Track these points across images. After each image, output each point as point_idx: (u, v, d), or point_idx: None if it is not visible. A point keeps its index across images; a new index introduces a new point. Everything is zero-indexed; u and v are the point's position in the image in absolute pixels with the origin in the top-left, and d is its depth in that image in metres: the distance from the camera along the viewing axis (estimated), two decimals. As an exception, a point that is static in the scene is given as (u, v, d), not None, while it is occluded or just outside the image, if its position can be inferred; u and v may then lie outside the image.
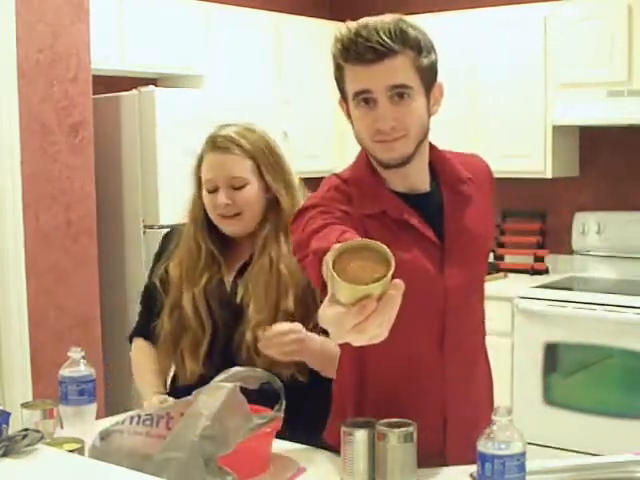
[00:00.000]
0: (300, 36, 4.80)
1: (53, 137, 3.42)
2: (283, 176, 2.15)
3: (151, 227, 3.81)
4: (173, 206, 3.75)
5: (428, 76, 1.73)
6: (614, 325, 3.84)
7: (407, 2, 5.05)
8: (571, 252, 4.55)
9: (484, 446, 1.52)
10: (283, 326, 1.94)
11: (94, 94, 3.61)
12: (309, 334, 1.96)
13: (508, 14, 4.47)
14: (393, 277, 1.22)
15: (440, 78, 1.79)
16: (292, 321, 1.98)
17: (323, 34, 4.97)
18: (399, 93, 1.68)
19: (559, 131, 4.33)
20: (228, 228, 2.13)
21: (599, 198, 4.57)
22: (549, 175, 4.34)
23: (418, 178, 1.80)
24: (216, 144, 2.13)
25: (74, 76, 3.47)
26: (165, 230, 3.65)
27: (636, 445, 2.33)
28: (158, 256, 2.29)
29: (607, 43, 4.13)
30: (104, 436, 1.70)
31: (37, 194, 3.38)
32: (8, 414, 1.67)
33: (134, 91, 3.81)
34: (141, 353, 2.32)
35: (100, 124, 3.70)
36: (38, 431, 1.64)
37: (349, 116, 1.78)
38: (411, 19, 1.75)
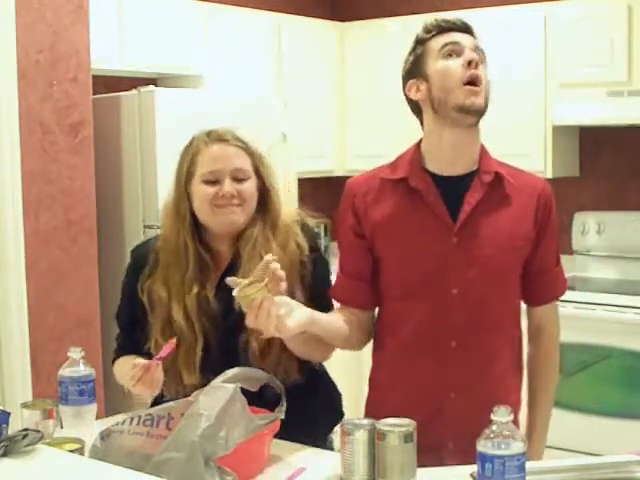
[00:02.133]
0: (300, 36, 4.80)
1: (53, 137, 3.42)
2: (274, 175, 2.16)
3: (151, 227, 3.80)
4: (173, 206, 3.76)
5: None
6: (614, 325, 3.84)
7: (407, 2, 5.06)
8: (571, 252, 4.55)
9: (484, 446, 1.52)
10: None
11: (94, 94, 3.61)
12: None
13: (508, 14, 4.47)
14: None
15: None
16: None
17: (323, 34, 4.99)
18: (478, 54, 1.95)
19: (559, 131, 4.33)
20: (229, 217, 2.06)
21: (599, 198, 4.57)
22: (549, 175, 4.34)
23: (464, 158, 1.95)
24: (219, 136, 2.11)
25: (74, 76, 3.47)
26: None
27: (636, 445, 2.33)
28: (134, 272, 2.19)
29: (607, 43, 4.13)
30: (105, 436, 1.70)
31: (37, 194, 3.38)
32: (8, 414, 1.67)
33: (134, 91, 3.81)
34: (125, 361, 2.17)
35: (100, 124, 3.70)
36: (38, 431, 1.64)
37: (424, 85, 1.97)
38: None
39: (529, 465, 1.57)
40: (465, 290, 1.93)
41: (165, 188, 3.76)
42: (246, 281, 1.79)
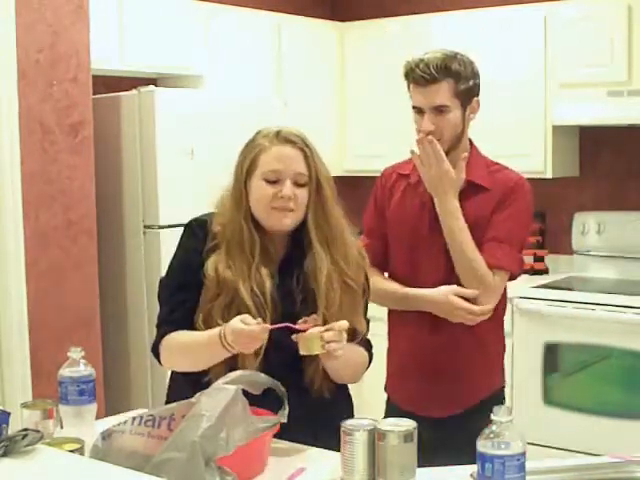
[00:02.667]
0: (300, 36, 4.80)
1: (53, 137, 3.42)
2: (330, 184, 2.17)
3: (151, 227, 3.81)
4: (173, 206, 3.76)
5: (465, 98, 2.39)
6: (614, 325, 3.84)
7: (407, 2, 5.06)
8: (571, 252, 4.55)
9: (484, 446, 1.52)
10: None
11: (94, 94, 3.61)
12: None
13: (508, 14, 4.47)
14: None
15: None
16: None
17: (323, 34, 4.99)
18: (440, 110, 2.36)
19: (559, 131, 4.33)
20: (282, 221, 2.06)
21: (599, 198, 4.57)
22: (549, 175, 4.34)
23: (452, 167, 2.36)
24: (287, 137, 2.10)
25: (74, 76, 3.47)
26: (166, 230, 3.70)
27: (636, 445, 2.33)
28: (195, 243, 2.11)
29: (607, 43, 4.13)
30: (106, 436, 1.70)
31: (37, 194, 3.38)
32: (8, 414, 1.67)
33: (134, 91, 3.81)
34: (184, 334, 2.06)
35: (100, 124, 3.70)
36: (38, 431, 1.64)
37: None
38: (462, 55, 2.42)
39: (529, 465, 1.57)
40: (440, 264, 2.40)
41: (165, 188, 3.81)
42: (307, 333, 1.92)
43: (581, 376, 4.04)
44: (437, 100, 2.34)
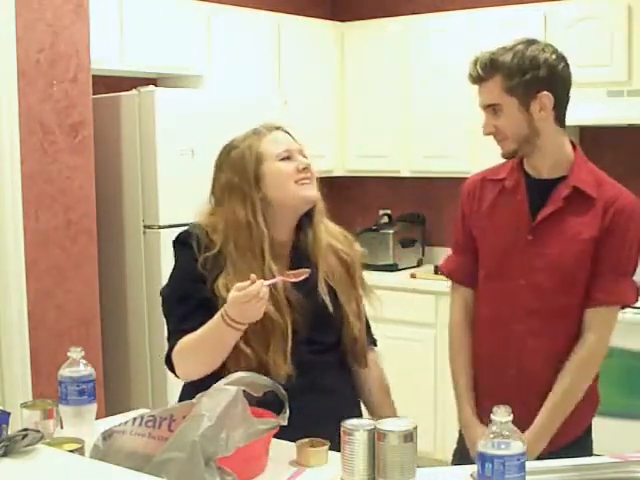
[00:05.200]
0: (300, 36, 4.80)
1: (53, 137, 3.42)
2: None
3: (151, 227, 3.81)
4: (173, 206, 3.76)
5: (522, 92, 2.15)
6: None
7: (408, 2, 5.06)
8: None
9: (484, 446, 1.52)
10: None
11: (94, 94, 3.61)
12: None
13: (508, 14, 4.47)
14: None
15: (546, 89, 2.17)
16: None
17: (323, 34, 4.99)
18: (494, 109, 2.20)
19: (559, 131, 4.32)
20: (310, 192, 2.12)
21: (599, 198, 4.56)
22: (549, 175, 4.34)
23: (549, 167, 2.23)
24: (271, 126, 2.18)
25: (74, 76, 3.47)
26: (166, 230, 3.70)
27: (636, 445, 2.33)
28: (192, 254, 2.08)
29: (607, 43, 4.13)
30: (106, 436, 1.70)
31: (37, 194, 3.38)
32: (8, 414, 1.67)
33: (134, 91, 3.81)
34: (191, 335, 2.03)
35: (100, 124, 3.70)
36: (38, 431, 1.64)
37: None
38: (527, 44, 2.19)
39: (529, 465, 1.57)
40: (532, 282, 2.19)
41: (165, 188, 3.81)
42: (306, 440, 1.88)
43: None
44: (487, 99, 2.21)
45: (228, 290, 1.97)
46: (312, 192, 2.13)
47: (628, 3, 4.09)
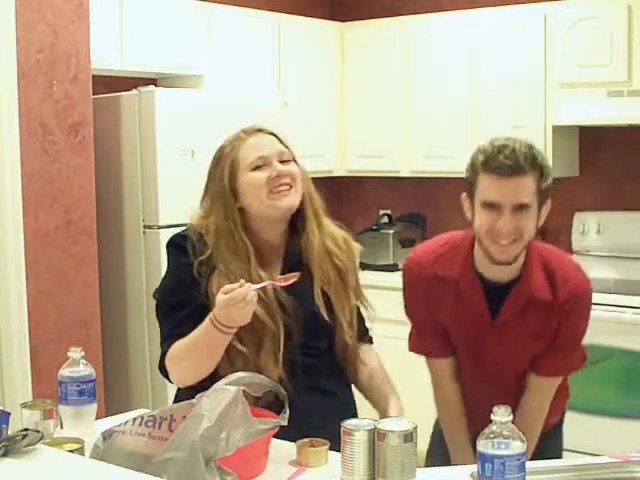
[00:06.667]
0: (300, 36, 4.80)
1: (53, 137, 3.42)
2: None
3: (151, 227, 3.81)
4: (173, 206, 3.75)
5: (544, 196, 2.07)
6: (614, 325, 3.84)
7: (408, 2, 5.06)
8: (571, 252, 4.55)
9: (484, 446, 1.52)
10: None
11: (94, 94, 3.61)
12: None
13: (508, 14, 4.47)
14: None
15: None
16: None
17: (323, 34, 4.99)
18: (521, 208, 2.02)
19: (559, 131, 4.33)
20: (284, 200, 2.07)
21: (599, 198, 4.57)
22: (549, 175, 4.33)
23: (508, 272, 2.14)
24: (254, 128, 2.15)
25: (74, 76, 3.47)
26: (166, 230, 3.70)
27: (636, 445, 2.33)
28: (188, 259, 2.08)
29: (607, 43, 4.12)
30: (106, 436, 1.70)
31: (37, 194, 3.38)
32: (8, 414, 1.67)
33: (134, 91, 3.81)
34: (183, 339, 2.02)
35: (100, 124, 3.70)
36: (38, 431, 1.64)
37: (471, 211, 2.12)
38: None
39: (529, 465, 1.57)
40: (497, 368, 2.21)
41: (165, 188, 3.81)
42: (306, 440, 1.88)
43: (581, 376, 4.03)
44: (523, 196, 2.01)
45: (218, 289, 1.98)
46: (287, 201, 2.07)
47: (628, 3, 4.09)
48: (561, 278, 2.15)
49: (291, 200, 2.08)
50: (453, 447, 2.30)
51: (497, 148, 2.00)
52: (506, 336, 2.18)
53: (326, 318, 2.09)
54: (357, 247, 2.25)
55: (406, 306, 2.33)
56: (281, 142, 2.14)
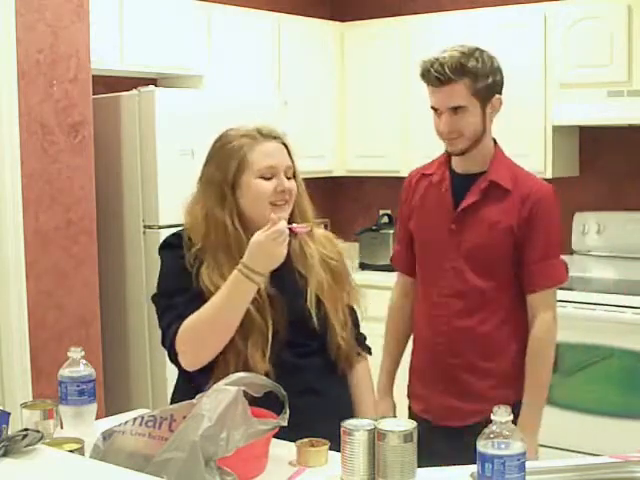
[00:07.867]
0: (300, 36, 4.80)
1: (53, 137, 3.42)
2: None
3: (151, 227, 3.81)
4: (173, 206, 3.75)
5: (484, 95, 2.32)
6: (614, 325, 3.84)
7: (408, 2, 5.06)
8: (571, 252, 4.55)
9: (484, 446, 1.52)
10: None
11: (94, 94, 3.61)
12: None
13: (508, 14, 4.47)
14: None
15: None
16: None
17: (323, 34, 4.99)
18: (456, 110, 2.30)
19: (559, 131, 4.33)
20: (280, 215, 2.05)
21: (599, 198, 4.57)
22: (549, 175, 4.34)
23: (474, 164, 2.39)
24: (271, 133, 2.13)
25: (74, 76, 3.47)
26: (166, 230, 3.70)
27: (636, 445, 2.33)
28: (181, 254, 2.10)
29: (607, 43, 4.13)
30: (106, 436, 1.70)
31: (37, 194, 3.38)
32: (8, 414, 1.67)
33: (134, 91, 3.81)
34: (197, 312, 2.01)
35: (100, 124, 3.70)
36: (38, 431, 1.64)
37: None
38: (481, 51, 2.34)
39: (529, 465, 1.57)
40: (455, 267, 2.37)
41: (165, 188, 3.81)
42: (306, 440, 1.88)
43: (581, 376, 4.04)
44: (453, 101, 2.30)
45: (212, 282, 2.01)
46: (281, 216, 2.06)
47: (628, 3, 4.09)
48: (523, 177, 2.40)
49: (283, 215, 2.08)
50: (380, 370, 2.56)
51: (429, 62, 2.30)
52: (465, 228, 2.36)
53: (315, 320, 2.09)
54: (343, 246, 2.29)
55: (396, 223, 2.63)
56: (289, 154, 2.15)
